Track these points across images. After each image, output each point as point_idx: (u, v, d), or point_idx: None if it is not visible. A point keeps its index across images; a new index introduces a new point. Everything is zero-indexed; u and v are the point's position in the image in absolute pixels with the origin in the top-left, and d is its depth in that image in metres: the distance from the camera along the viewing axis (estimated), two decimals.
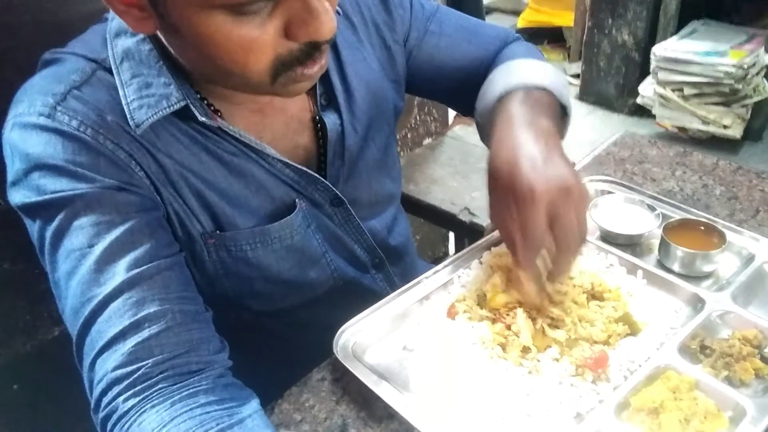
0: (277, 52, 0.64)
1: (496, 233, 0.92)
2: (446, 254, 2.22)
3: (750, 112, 2.76)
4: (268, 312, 0.89)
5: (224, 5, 0.59)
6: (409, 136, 1.88)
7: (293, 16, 0.62)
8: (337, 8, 0.80)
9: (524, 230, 0.68)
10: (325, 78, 0.82)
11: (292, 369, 0.80)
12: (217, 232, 0.78)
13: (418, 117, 1.89)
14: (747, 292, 0.82)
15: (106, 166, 0.68)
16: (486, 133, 0.83)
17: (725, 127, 2.79)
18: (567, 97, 0.85)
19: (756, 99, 2.74)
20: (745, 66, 2.65)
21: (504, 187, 0.69)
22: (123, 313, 0.65)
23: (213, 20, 0.60)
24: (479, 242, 0.91)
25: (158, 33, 0.68)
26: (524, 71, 0.83)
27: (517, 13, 4.13)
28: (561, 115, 0.84)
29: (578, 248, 0.71)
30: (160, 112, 0.69)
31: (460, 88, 0.95)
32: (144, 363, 0.64)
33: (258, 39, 0.62)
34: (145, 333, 0.65)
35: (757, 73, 2.72)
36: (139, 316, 0.66)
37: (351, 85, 0.84)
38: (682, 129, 2.91)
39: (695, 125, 2.86)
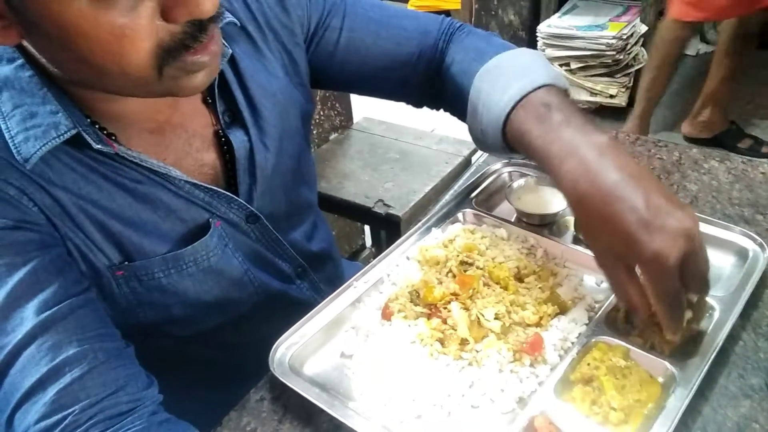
0: (157, 37, 0.57)
1: (418, 225, 0.92)
2: (364, 247, 2.22)
3: (632, 80, 2.92)
4: (192, 336, 0.84)
5: None
6: (314, 132, 1.85)
7: None
8: (233, 19, 0.76)
9: (664, 301, 0.63)
10: (228, 93, 0.78)
11: (228, 392, 0.76)
12: (126, 263, 0.72)
13: (322, 112, 1.86)
14: None
15: None
16: (503, 150, 0.76)
17: (612, 96, 2.94)
18: (565, 82, 0.75)
19: (637, 67, 2.90)
20: (624, 36, 2.80)
21: (620, 252, 0.63)
22: (39, 360, 0.60)
23: (74, 6, 0.53)
24: (404, 237, 0.90)
25: (25, 43, 0.60)
26: (515, 71, 0.74)
27: None
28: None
29: (709, 288, 0.67)
30: (49, 144, 0.63)
31: (387, 85, 0.90)
32: (71, 410, 0.59)
33: (131, 24, 0.55)
34: (67, 378, 0.60)
35: (636, 43, 2.87)
36: (58, 360, 0.61)
37: (255, 99, 0.79)
38: None
39: (584, 97, 3.00)
